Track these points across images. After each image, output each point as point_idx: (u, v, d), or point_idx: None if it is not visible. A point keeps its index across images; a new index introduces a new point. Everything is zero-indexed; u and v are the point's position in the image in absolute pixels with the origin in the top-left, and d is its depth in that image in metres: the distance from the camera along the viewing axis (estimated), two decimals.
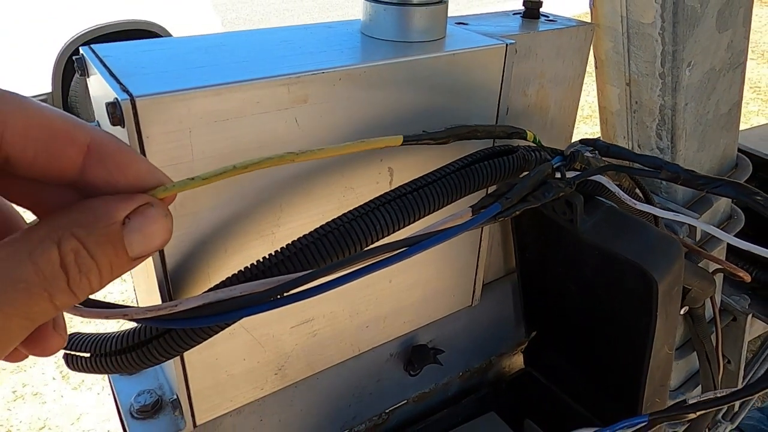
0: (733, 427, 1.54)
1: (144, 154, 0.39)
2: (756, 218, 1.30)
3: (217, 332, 0.41)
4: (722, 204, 0.94)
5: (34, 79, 3.07)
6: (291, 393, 0.58)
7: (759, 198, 0.41)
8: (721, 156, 0.89)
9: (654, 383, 0.61)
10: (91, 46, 0.46)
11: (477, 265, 0.66)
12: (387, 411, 0.69)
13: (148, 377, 0.56)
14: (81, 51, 0.45)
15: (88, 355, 0.44)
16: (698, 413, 0.49)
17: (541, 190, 0.48)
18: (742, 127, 1.22)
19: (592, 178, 0.52)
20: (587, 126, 4.08)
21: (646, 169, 0.47)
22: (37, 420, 1.98)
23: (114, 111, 0.37)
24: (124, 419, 0.53)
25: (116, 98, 0.37)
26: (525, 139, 0.51)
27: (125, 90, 0.37)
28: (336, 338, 0.58)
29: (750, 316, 1.13)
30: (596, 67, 0.85)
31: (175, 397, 0.52)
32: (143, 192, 0.25)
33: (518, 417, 0.77)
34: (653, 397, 0.63)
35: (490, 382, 0.79)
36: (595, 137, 0.51)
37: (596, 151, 0.54)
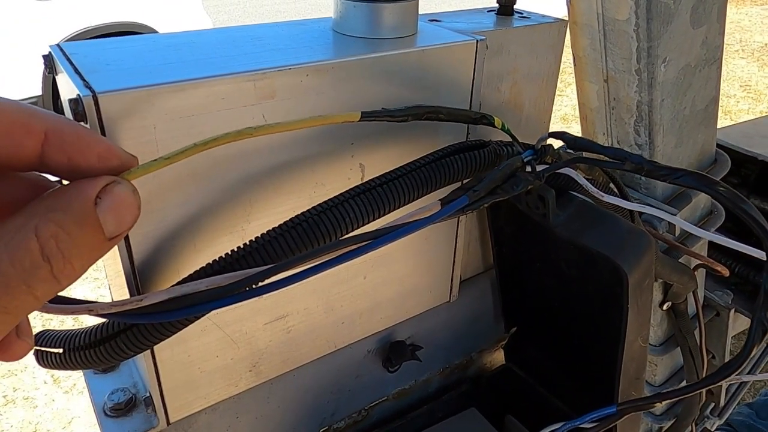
0: (721, 422, 1.54)
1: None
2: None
3: (185, 326, 0.41)
4: (702, 200, 0.95)
5: (27, 81, 3.06)
6: (267, 390, 0.59)
7: (721, 189, 0.42)
8: (699, 152, 0.89)
9: (629, 376, 0.62)
10: (60, 44, 0.46)
11: (454, 261, 0.66)
12: (367, 408, 0.69)
13: (122, 375, 0.56)
14: (49, 49, 0.45)
15: (60, 350, 0.45)
16: (663, 402, 0.50)
17: (510, 182, 0.48)
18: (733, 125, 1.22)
19: (563, 171, 0.52)
20: (578, 126, 4.09)
21: (612, 160, 0.47)
22: (28, 424, 1.98)
23: (76, 107, 0.37)
24: (98, 417, 0.53)
25: (78, 94, 0.37)
26: (492, 125, 0.51)
27: (88, 86, 0.38)
28: (311, 334, 0.58)
29: (733, 311, 1.13)
30: (575, 65, 0.86)
31: (147, 394, 0.52)
32: (107, 172, 0.26)
33: (499, 413, 0.78)
34: (628, 389, 0.63)
35: (470, 379, 0.79)
36: (563, 130, 0.51)
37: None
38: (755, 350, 0.40)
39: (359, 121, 0.47)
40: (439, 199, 0.45)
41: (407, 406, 0.73)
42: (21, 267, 0.22)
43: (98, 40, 0.47)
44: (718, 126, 0.92)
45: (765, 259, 0.39)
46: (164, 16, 3.57)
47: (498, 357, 0.82)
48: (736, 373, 0.40)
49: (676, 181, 0.42)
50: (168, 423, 0.52)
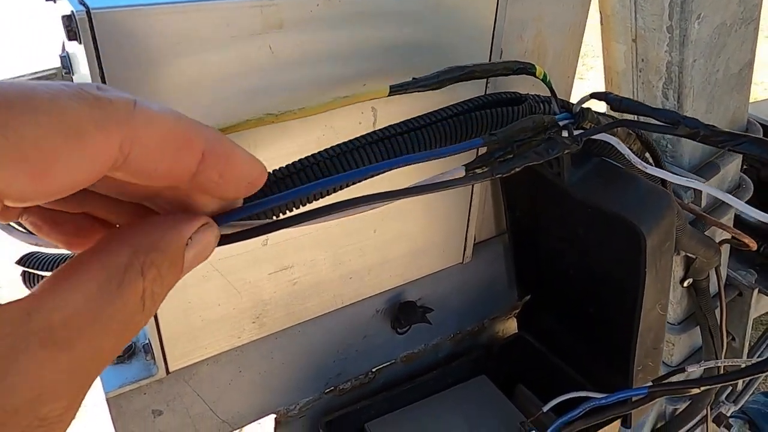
0: (737, 408, 1.51)
1: (103, 76, 0.37)
2: (764, 190, 1.26)
3: None
4: (731, 171, 0.91)
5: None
6: (271, 344, 0.57)
7: None
8: (730, 119, 0.85)
9: (645, 345, 0.59)
10: None
11: (468, 220, 0.63)
12: (374, 370, 0.68)
13: None
14: None
15: (48, 274, 0.43)
16: (702, 389, 0.47)
17: (544, 146, 0.45)
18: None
19: (600, 138, 0.49)
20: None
21: (662, 124, 0.43)
22: None
23: (69, 24, 0.35)
24: None
25: (72, 11, 0.35)
26: (534, 74, 0.48)
27: (82, 3, 0.35)
28: (317, 288, 0.56)
29: (756, 291, 1.09)
30: (602, 24, 0.82)
31: (147, 341, 0.50)
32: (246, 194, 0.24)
33: (510, 382, 0.76)
34: (645, 360, 0.61)
35: (482, 346, 0.77)
36: (607, 91, 0.48)
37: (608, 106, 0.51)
38: None
39: (388, 96, 0.44)
40: (464, 165, 0.42)
41: (416, 370, 0.71)
42: (126, 311, 0.20)
43: None
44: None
45: None
46: None
47: (510, 325, 0.79)
48: None
49: (738, 148, 0.38)
50: (167, 372, 0.50)
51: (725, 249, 1.02)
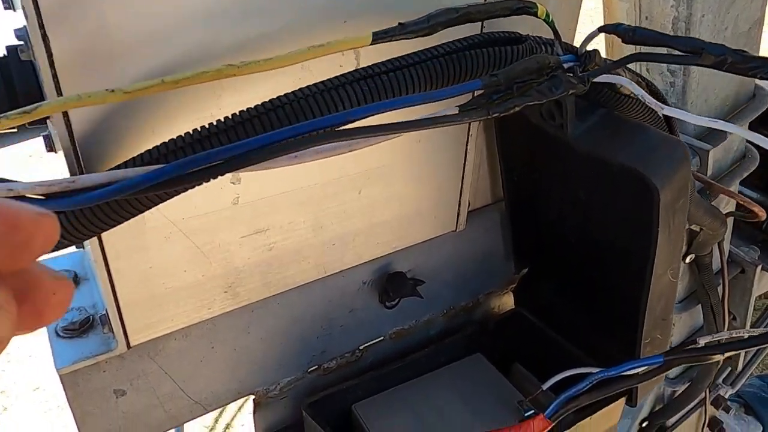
0: (734, 391, 1.49)
1: (37, 5, 0.31)
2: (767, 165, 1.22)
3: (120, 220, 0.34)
4: (735, 141, 0.87)
5: None
6: (247, 318, 0.52)
7: None
8: (738, 83, 0.81)
9: (654, 316, 0.55)
10: None
11: (462, 183, 0.58)
12: (361, 347, 0.63)
13: (82, 295, 0.49)
14: None
15: None
16: (726, 354, 0.42)
17: (547, 84, 0.40)
18: None
19: (610, 80, 0.44)
20: None
21: (682, 54, 0.38)
22: (30, 381, 1.96)
23: None
24: (49, 339, 0.46)
25: None
26: (535, 15, 0.43)
27: None
28: (297, 255, 0.51)
29: (759, 268, 1.06)
30: None
31: (104, 311, 0.45)
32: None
33: (506, 360, 0.71)
34: (653, 332, 0.56)
35: (477, 322, 0.72)
36: (617, 22, 0.43)
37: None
38: None
39: (371, 44, 0.39)
40: (457, 106, 0.37)
41: (406, 348, 0.67)
42: None
43: None
44: None
45: None
46: None
47: (506, 301, 0.75)
48: None
49: None
50: (129, 346, 0.45)
51: (729, 222, 0.99)
